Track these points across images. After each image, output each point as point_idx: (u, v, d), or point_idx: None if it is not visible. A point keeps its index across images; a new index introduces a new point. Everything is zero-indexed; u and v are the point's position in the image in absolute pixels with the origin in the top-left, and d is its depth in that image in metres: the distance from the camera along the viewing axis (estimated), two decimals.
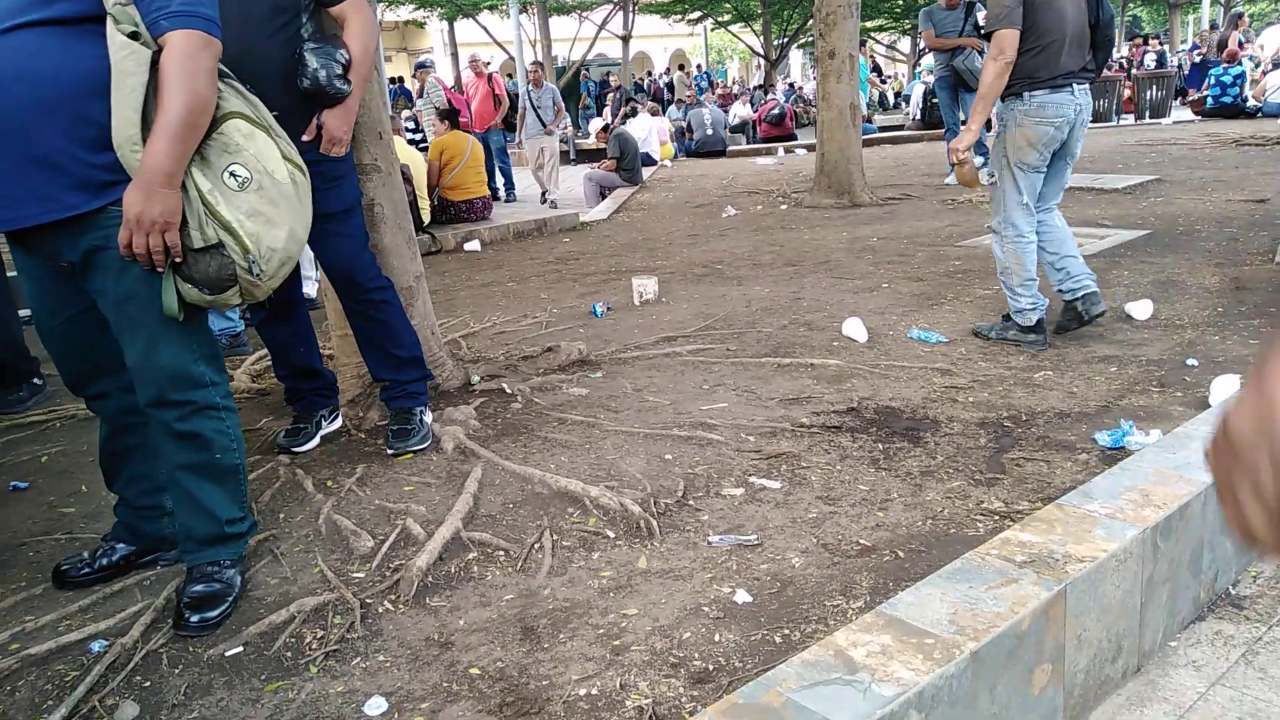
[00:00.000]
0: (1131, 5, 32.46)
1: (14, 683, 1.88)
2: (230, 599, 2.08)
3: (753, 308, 4.54)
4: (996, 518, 2.27)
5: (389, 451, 2.91)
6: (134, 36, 1.83)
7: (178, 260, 1.91)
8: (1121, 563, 1.95)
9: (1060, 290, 3.65)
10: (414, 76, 14.23)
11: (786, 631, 1.89)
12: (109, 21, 1.82)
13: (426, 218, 7.49)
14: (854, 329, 3.87)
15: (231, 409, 2.13)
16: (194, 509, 2.10)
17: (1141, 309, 3.89)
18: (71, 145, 1.83)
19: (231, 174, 1.95)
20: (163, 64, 1.83)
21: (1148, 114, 14.43)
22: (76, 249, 1.92)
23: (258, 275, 1.99)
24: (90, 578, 2.22)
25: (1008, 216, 3.61)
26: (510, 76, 17.83)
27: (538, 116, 10.15)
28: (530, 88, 10.25)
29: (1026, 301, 3.58)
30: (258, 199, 1.98)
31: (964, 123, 8.12)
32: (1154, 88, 14.71)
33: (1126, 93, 14.85)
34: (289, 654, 1.94)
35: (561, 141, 15.31)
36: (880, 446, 2.76)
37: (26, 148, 1.81)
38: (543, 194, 9.86)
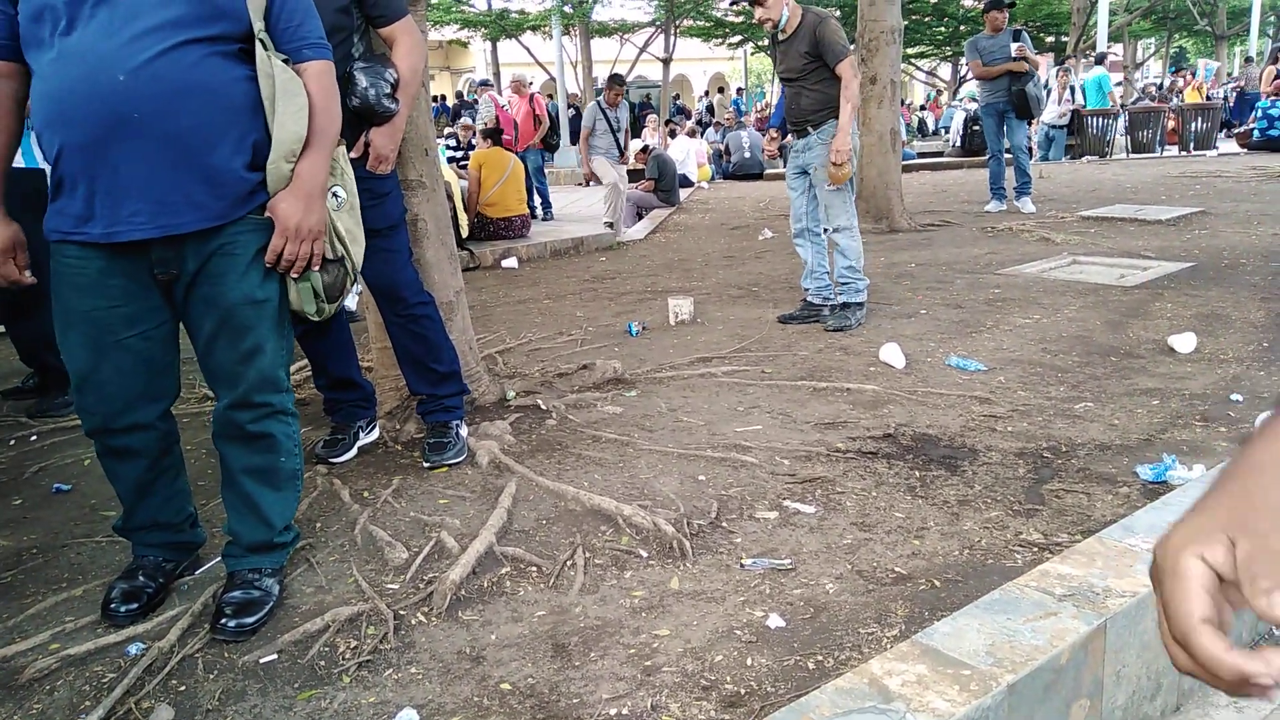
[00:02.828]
0: (1178, 37, 32.14)
1: (53, 682, 1.91)
2: (268, 607, 2.10)
3: (789, 330, 4.53)
4: (1035, 549, 2.24)
5: (425, 465, 2.93)
6: (285, 62, 1.98)
7: (316, 269, 2.04)
8: None
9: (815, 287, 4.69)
10: (473, 92, 14.48)
11: (820, 658, 1.88)
12: (258, 46, 1.95)
13: (465, 233, 7.57)
14: (891, 354, 3.85)
15: (296, 416, 2.19)
16: (250, 515, 2.13)
17: (1184, 342, 3.83)
18: (235, 158, 1.93)
19: (334, 194, 2.11)
20: (314, 89, 2.01)
21: (1192, 146, 14.26)
22: (200, 255, 1.96)
23: (350, 289, 2.16)
24: (140, 614, 2.14)
25: (853, 215, 4.49)
26: (551, 97, 18.00)
27: (616, 140, 9.37)
28: (607, 108, 9.34)
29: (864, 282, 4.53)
30: (349, 218, 2.17)
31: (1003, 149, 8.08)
32: (1199, 119, 14.54)
33: (1171, 124, 14.70)
34: (322, 663, 1.95)
35: None
36: (917, 474, 2.74)
37: (195, 158, 1.89)
38: (606, 219, 9.26)
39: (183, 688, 1.88)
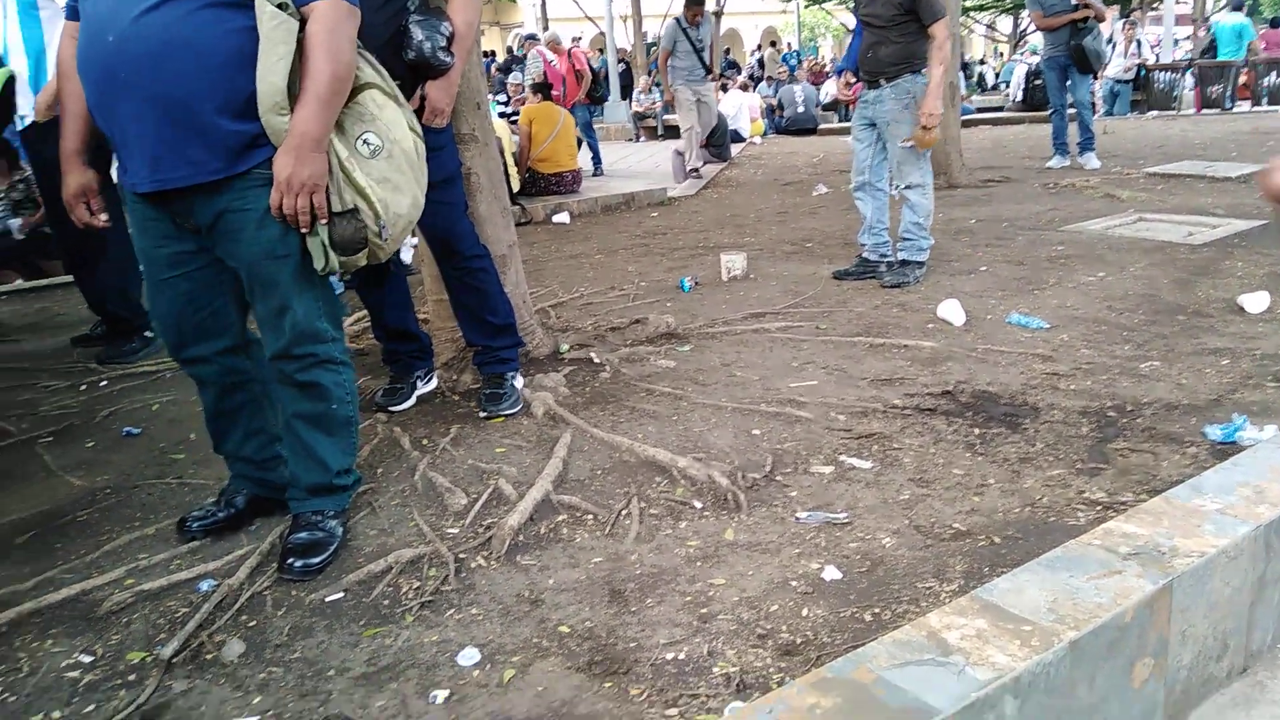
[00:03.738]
0: None
1: (129, 615, 1.99)
2: (332, 547, 2.15)
3: (844, 286, 4.47)
4: (1099, 508, 2.21)
5: (481, 414, 2.97)
6: (282, 7, 1.91)
7: (322, 221, 2.00)
8: (1232, 559, 1.88)
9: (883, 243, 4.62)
10: (521, 47, 14.30)
11: (876, 610, 1.88)
12: None
13: (516, 187, 7.56)
14: (950, 311, 3.79)
15: (349, 364, 2.21)
16: (306, 458, 2.18)
17: (1256, 301, 3.71)
18: (224, 113, 1.92)
19: (365, 142, 2.05)
20: (311, 33, 1.92)
21: (1265, 100, 13.70)
22: (210, 211, 1.99)
23: (385, 239, 2.09)
24: (215, 529, 2.29)
25: (927, 172, 4.40)
26: (600, 51, 17.82)
27: (700, 60, 8.52)
28: (687, 26, 8.53)
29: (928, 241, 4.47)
30: (387, 166, 2.08)
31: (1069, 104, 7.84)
32: (1274, 73, 13.94)
33: (1243, 78, 14.12)
34: (386, 602, 2.00)
35: (650, 116, 15.30)
36: (976, 431, 2.70)
37: (184, 114, 1.90)
38: (688, 166, 8.76)
39: (253, 623, 1.94)
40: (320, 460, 2.18)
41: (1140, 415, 2.74)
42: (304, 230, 1.99)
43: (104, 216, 2.20)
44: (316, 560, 2.11)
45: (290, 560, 2.09)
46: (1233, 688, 1.92)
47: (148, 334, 3.94)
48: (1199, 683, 1.88)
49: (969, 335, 3.59)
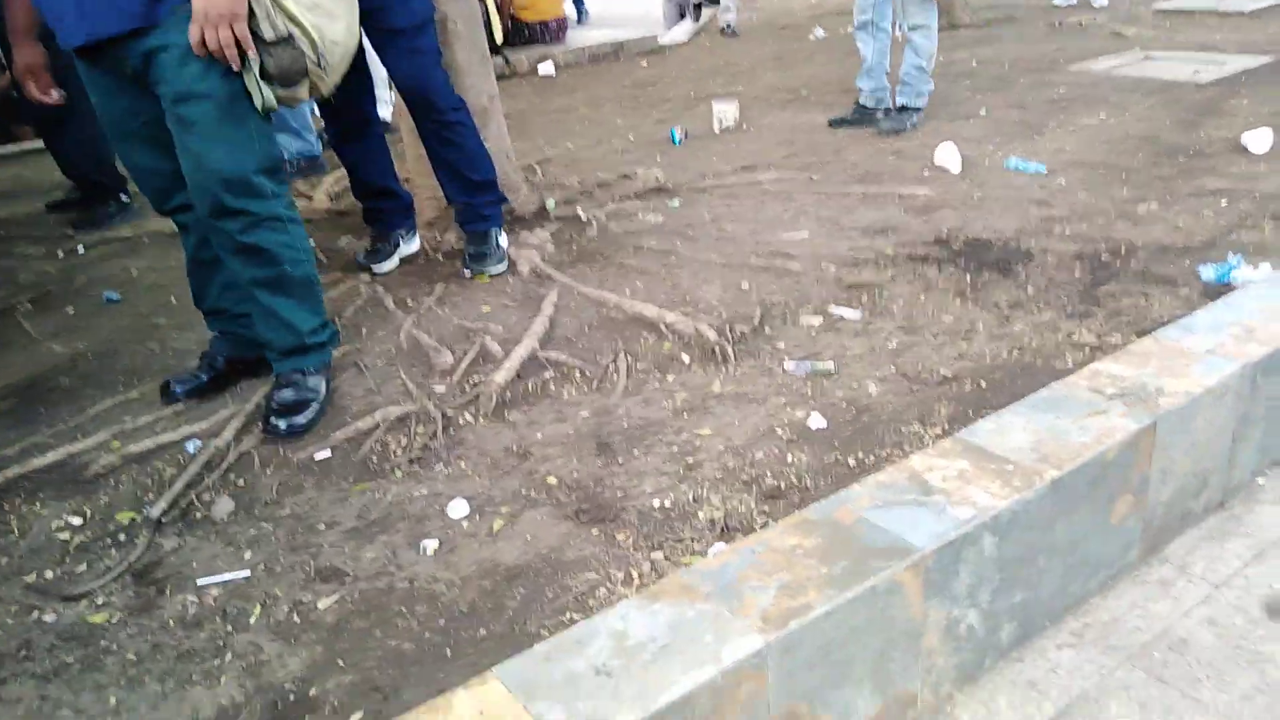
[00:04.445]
0: None
1: (117, 477, 2.00)
2: (315, 404, 2.14)
3: (839, 135, 4.34)
4: (1087, 351, 2.19)
5: (466, 273, 2.92)
6: None
7: (252, 55, 1.91)
8: (1218, 398, 1.87)
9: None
10: None
11: (860, 455, 1.89)
12: None
13: (499, 38, 7.24)
14: (947, 157, 3.69)
15: (295, 220, 2.13)
16: (273, 322, 2.15)
17: (1259, 140, 3.60)
18: None
19: None
20: None
21: None
22: (139, 55, 1.92)
23: (324, 68, 2.04)
24: (198, 392, 2.28)
25: (933, 13, 4.20)
26: None
27: None
28: None
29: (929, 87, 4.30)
30: None
31: None
32: None
33: None
34: (374, 459, 2.01)
35: None
36: (968, 278, 2.66)
37: None
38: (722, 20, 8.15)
39: (241, 481, 1.95)
40: (287, 323, 2.15)
41: (1134, 258, 2.70)
42: (235, 67, 1.91)
43: (55, 93, 2.17)
44: (300, 419, 2.10)
45: (274, 420, 2.09)
46: (1209, 521, 1.96)
47: (123, 198, 3.85)
48: (1177, 518, 1.91)
49: (965, 182, 3.50)
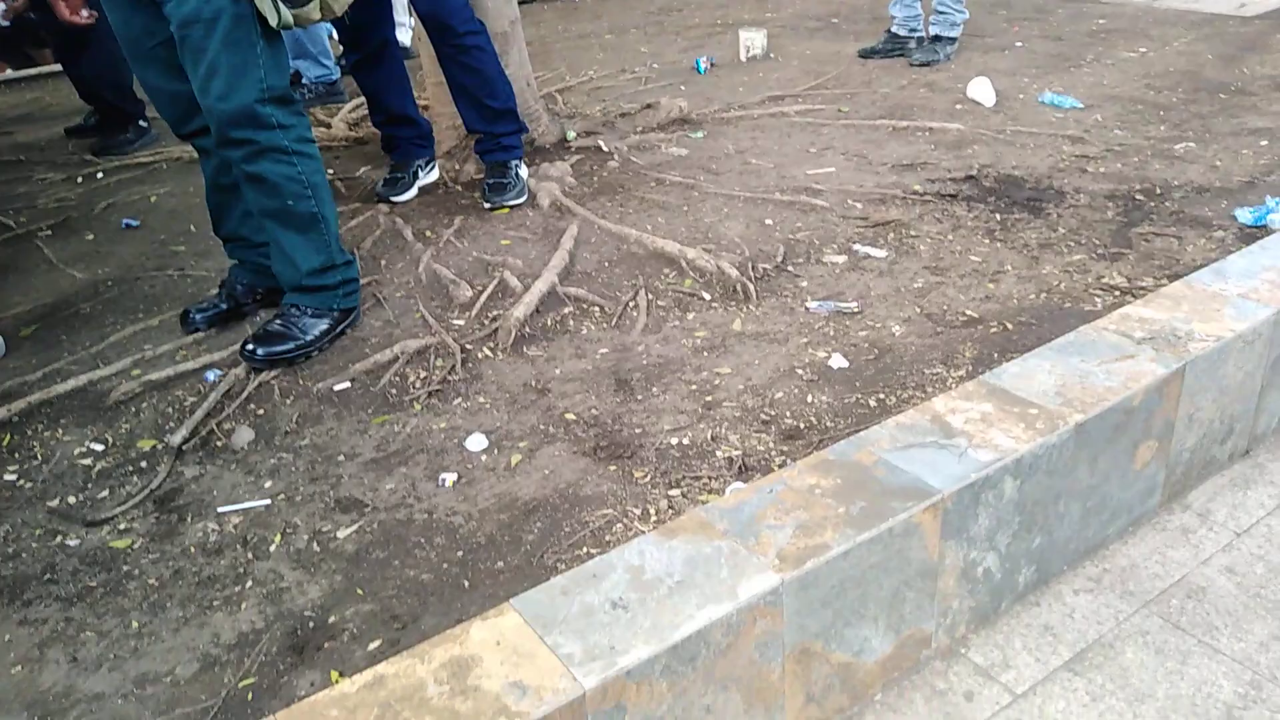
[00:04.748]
0: None
1: (137, 405, 2.01)
2: (294, 345, 2.08)
3: (870, 65, 4.23)
4: (1117, 294, 2.15)
5: (485, 205, 2.89)
6: None
7: None
8: (1249, 344, 1.84)
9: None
10: None
11: (882, 396, 1.87)
12: None
13: None
14: (980, 91, 3.59)
15: (306, 154, 2.07)
16: (279, 254, 2.14)
17: None
18: None
19: None
20: None
21: None
22: None
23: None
24: (218, 320, 2.28)
25: None
26: None
27: None
28: None
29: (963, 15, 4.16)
30: None
31: None
32: None
33: None
34: (394, 391, 2.01)
35: None
36: (997, 217, 2.61)
37: None
38: None
39: (261, 411, 1.96)
40: (289, 258, 2.12)
41: (1169, 199, 2.63)
42: None
43: (85, 12, 2.12)
44: (277, 350, 2.06)
45: (250, 345, 2.06)
46: (1233, 469, 1.93)
47: (142, 123, 3.81)
48: (1200, 465, 1.89)
49: (998, 116, 3.41)
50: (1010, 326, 2.07)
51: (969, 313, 2.14)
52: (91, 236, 2.92)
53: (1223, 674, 1.47)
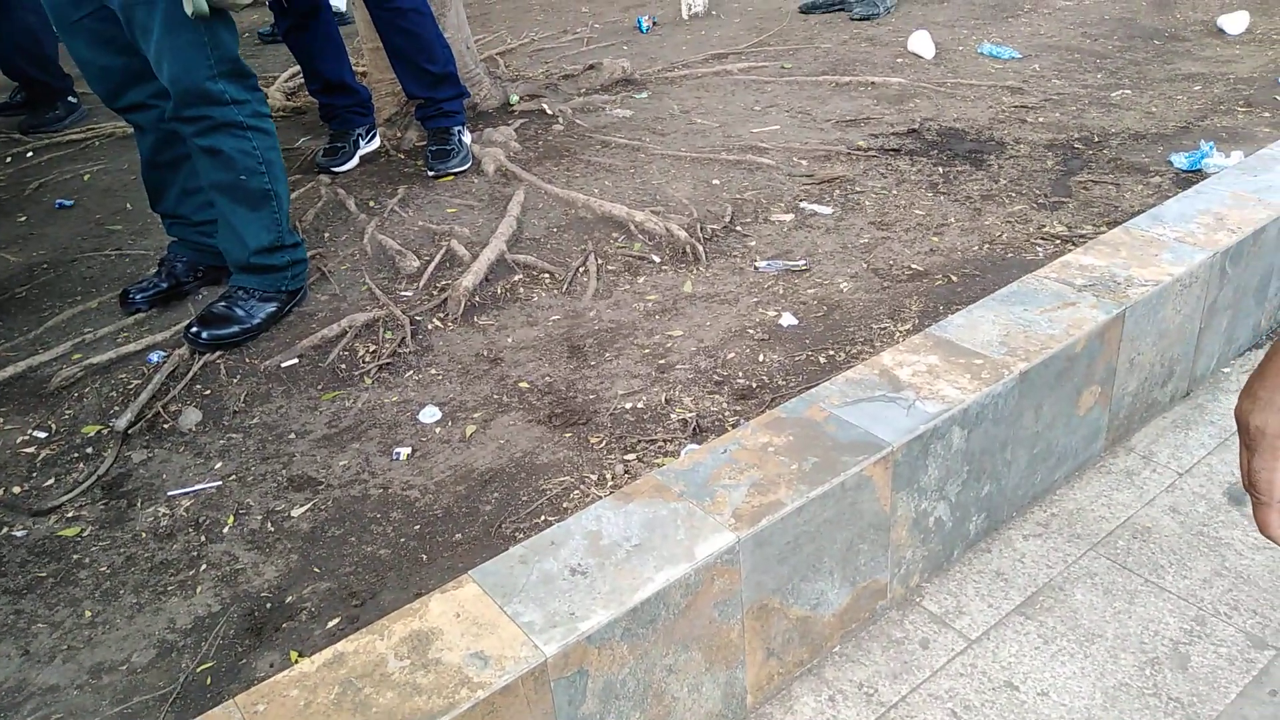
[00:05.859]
0: None
1: (80, 390, 1.96)
2: (239, 329, 2.05)
3: (811, 21, 4.22)
4: (1058, 242, 2.19)
5: (429, 173, 2.84)
6: None
7: None
8: (1186, 287, 1.88)
9: None
10: None
11: (831, 353, 1.89)
12: None
13: None
14: (920, 44, 3.60)
15: (261, 129, 2.03)
16: (227, 230, 2.09)
17: (1235, 22, 3.55)
18: None
19: None
20: None
21: None
22: None
23: None
24: (159, 299, 2.23)
25: None
26: None
27: None
28: None
29: None
30: None
31: None
32: None
33: None
34: (343, 366, 1.98)
35: None
36: (940, 170, 2.63)
37: None
38: None
39: (208, 392, 1.93)
40: (238, 234, 2.08)
41: (1106, 146, 2.67)
42: None
43: None
44: (222, 333, 2.03)
45: (194, 328, 2.02)
46: (1174, 411, 1.99)
47: (71, 99, 3.68)
48: (1142, 408, 1.94)
49: (938, 69, 3.43)
50: (955, 279, 2.09)
51: (914, 266, 2.16)
52: (24, 218, 2.83)
53: (1169, 611, 1.52)
